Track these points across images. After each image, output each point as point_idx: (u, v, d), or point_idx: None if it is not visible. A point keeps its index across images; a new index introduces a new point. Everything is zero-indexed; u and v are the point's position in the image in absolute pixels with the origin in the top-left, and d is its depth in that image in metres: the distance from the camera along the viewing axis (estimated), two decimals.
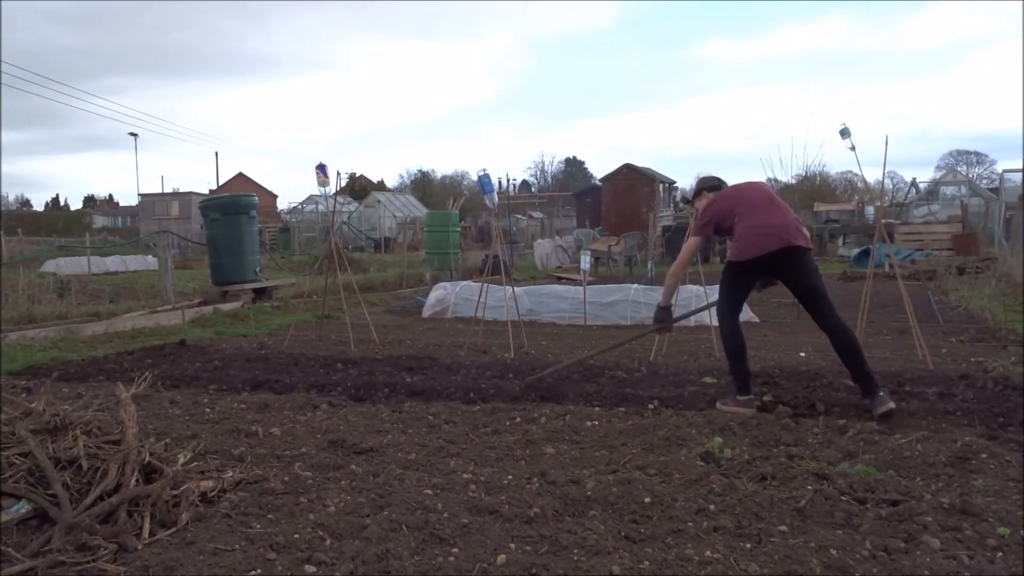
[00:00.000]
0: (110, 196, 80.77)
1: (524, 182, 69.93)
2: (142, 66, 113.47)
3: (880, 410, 4.16)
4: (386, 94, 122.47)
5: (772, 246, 4.36)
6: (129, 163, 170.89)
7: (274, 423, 4.31)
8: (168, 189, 46.00)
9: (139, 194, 42.64)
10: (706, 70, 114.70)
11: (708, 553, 2.54)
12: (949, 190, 27.96)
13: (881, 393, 4.26)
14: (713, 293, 8.54)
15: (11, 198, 70.44)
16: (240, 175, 67.19)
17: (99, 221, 54.90)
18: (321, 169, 7.68)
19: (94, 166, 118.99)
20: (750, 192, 4.69)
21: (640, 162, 27.73)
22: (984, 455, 3.45)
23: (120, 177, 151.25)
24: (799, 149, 68.07)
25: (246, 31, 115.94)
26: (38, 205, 73.83)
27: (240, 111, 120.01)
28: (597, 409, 4.55)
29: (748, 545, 2.61)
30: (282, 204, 57.81)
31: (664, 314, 4.90)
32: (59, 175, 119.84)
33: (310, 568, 2.47)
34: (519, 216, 33.03)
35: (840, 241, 24.92)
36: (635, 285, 9.63)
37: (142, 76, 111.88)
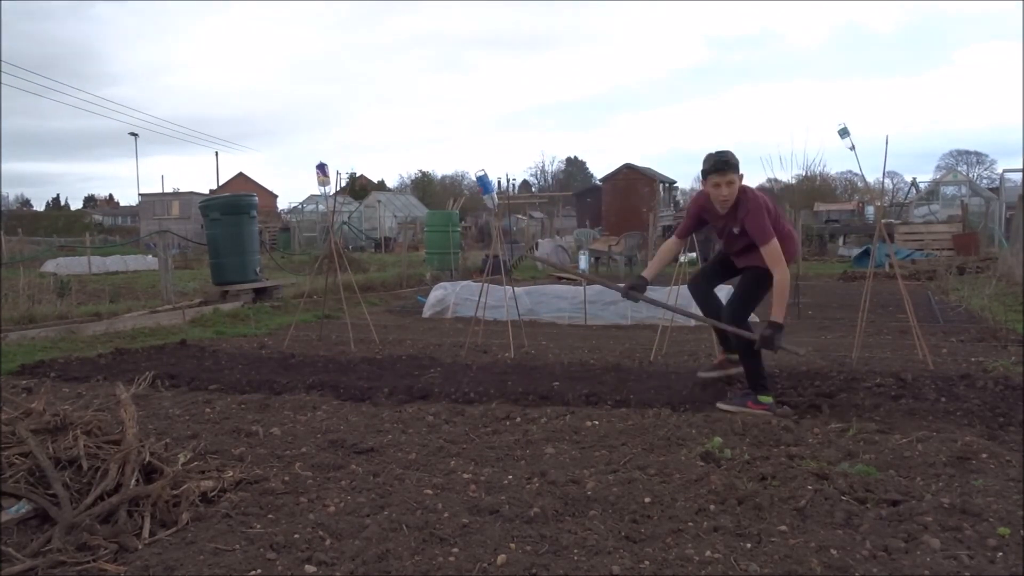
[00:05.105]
0: (110, 196, 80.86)
1: (524, 182, 70.00)
2: None
3: None
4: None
5: None
6: (129, 163, 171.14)
7: (274, 423, 4.31)
8: (168, 189, 46.07)
9: (139, 194, 42.68)
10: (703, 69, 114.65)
11: (708, 553, 2.54)
12: (949, 190, 27.99)
13: None
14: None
15: (11, 198, 70.49)
16: (240, 175, 67.22)
17: (98, 221, 54.89)
18: (321, 168, 7.67)
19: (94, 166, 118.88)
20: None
21: (641, 162, 27.75)
22: (984, 455, 3.45)
23: (120, 177, 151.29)
24: (799, 148, 67.94)
25: None
26: (38, 205, 73.90)
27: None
28: (597, 409, 4.55)
29: (748, 545, 2.61)
30: (282, 204, 57.93)
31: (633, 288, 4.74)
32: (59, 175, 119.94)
33: (310, 568, 2.47)
34: (519, 216, 33.02)
35: (840, 241, 24.95)
36: None
37: None
